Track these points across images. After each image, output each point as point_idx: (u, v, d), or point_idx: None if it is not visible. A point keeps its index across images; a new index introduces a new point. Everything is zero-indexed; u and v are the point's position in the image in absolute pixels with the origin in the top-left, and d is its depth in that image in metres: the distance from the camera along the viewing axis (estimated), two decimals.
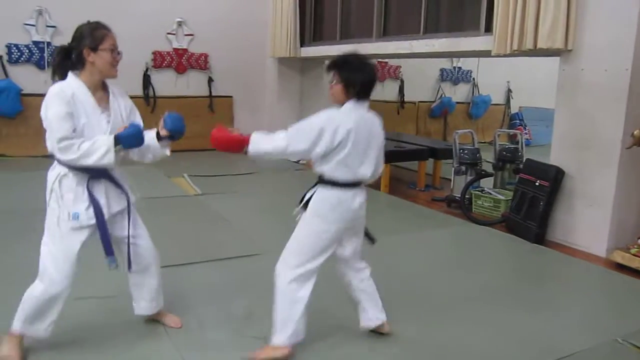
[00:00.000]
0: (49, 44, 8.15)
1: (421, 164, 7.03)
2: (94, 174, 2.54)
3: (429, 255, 4.56)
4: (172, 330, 2.98)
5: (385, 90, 11.48)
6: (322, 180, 2.62)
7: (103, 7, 8.38)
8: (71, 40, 2.55)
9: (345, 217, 2.66)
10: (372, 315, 2.93)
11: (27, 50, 8.05)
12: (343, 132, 2.50)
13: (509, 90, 12.89)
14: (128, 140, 2.50)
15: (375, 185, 6.88)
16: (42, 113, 2.46)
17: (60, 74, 2.54)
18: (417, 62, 10.63)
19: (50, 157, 2.53)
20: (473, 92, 12.59)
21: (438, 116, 12.16)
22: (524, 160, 5.70)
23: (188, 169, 7.02)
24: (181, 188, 6.42)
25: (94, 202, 2.52)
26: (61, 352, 2.73)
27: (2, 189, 6.15)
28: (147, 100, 8.90)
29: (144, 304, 2.92)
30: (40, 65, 8.13)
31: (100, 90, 2.58)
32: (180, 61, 9.20)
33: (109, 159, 2.43)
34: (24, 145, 8.04)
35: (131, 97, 9.22)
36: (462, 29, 6.11)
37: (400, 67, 11.47)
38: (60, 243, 2.55)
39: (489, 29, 5.51)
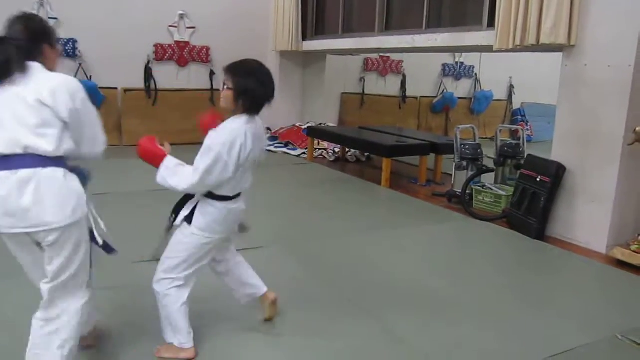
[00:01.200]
0: None
1: (422, 159, 7.02)
2: None
3: (429, 250, 4.57)
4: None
5: (387, 85, 11.48)
6: (205, 194, 2.53)
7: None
8: (31, 34, 2.20)
9: (231, 226, 2.67)
10: (249, 292, 2.94)
11: None
12: (237, 149, 2.41)
13: (511, 86, 12.86)
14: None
15: (376, 180, 6.89)
16: (82, 107, 2.17)
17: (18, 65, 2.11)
18: (419, 57, 10.60)
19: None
20: (475, 88, 12.56)
21: (440, 111, 12.14)
22: (525, 156, 5.70)
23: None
24: None
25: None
26: None
27: None
28: (149, 93, 8.90)
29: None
30: None
31: None
32: (182, 54, 9.19)
33: None
34: None
35: (132, 90, 9.27)
36: (464, 23, 6.10)
37: (403, 61, 11.44)
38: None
39: (491, 24, 5.49)
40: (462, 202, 5.71)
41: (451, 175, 6.40)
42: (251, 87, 2.47)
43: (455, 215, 5.59)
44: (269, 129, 9.53)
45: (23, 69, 2.08)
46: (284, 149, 8.86)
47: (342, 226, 5.06)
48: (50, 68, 2.22)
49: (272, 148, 8.77)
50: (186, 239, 2.56)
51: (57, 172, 2.09)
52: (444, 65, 12.04)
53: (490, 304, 3.49)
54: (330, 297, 3.44)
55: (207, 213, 2.53)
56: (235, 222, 2.69)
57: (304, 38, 9.03)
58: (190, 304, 2.66)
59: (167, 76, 9.11)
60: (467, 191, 5.80)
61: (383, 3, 7.28)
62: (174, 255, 2.59)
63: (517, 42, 4.93)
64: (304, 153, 8.63)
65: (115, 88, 8.68)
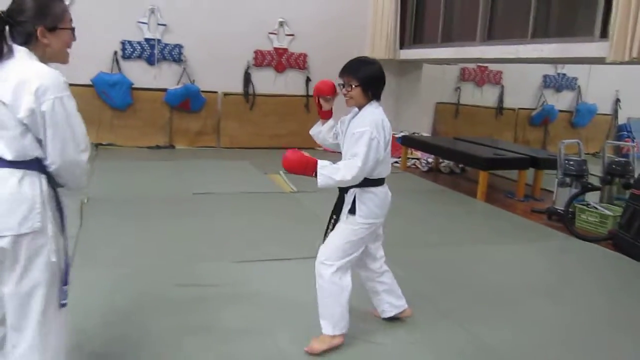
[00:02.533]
0: (159, 41, 8.58)
1: (521, 173, 6.76)
2: None
3: (527, 268, 4.37)
4: (267, 321, 3.04)
5: (483, 96, 11.18)
6: (362, 182, 2.69)
7: (209, 7, 8.76)
8: (13, 7, 1.90)
9: (386, 210, 2.83)
10: (396, 303, 3.09)
11: (139, 47, 8.51)
12: (388, 133, 2.70)
13: (617, 100, 12.15)
14: None
15: (470, 193, 6.72)
16: (49, 109, 1.83)
17: None
18: (519, 68, 10.26)
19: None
20: (577, 100, 11.98)
21: (538, 124, 11.67)
22: (635, 175, 5.35)
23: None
24: (277, 185, 6.54)
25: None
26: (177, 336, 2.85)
27: (112, 176, 6.52)
28: (247, 98, 9.16)
29: None
30: (150, 61, 8.57)
31: None
32: (280, 60, 9.39)
33: None
34: (131, 136, 8.51)
35: (232, 94, 9.54)
36: (574, 33, 5.83)
37: (502, 72, 11.10)
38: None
39: (604, 34, 5.21)
40: (564, 221, 5.43)
41: (551, 191, 6.12)
42: (374, 75, 2.74)
43: (555, 234, 5.33)
44: None
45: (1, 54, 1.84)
46: None
47: (434, 238, 4.95)
48: (51, 57, 1.97)
49: None
50: (350, 228, 2.74)
51: (12, 176, 1.85)
52: (544, 76, 11.57)
53: (591, 330, 3.29)
54: (421, 308, 3.36)
55: (368, 200, 2.73)
56: (388, 209, 2.83)
57: (401, 46, 8.97)
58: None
59: (265, 81, 9.34)
60: (570, 209, 5.52)
61: (486, 11, 7.10)
62: (337, 243, 2.75)
63: (634, 55, 4.65)
64: (396, 162, 8.56)
65: (216, 92, 9.00)
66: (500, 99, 11.27)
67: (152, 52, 8.56)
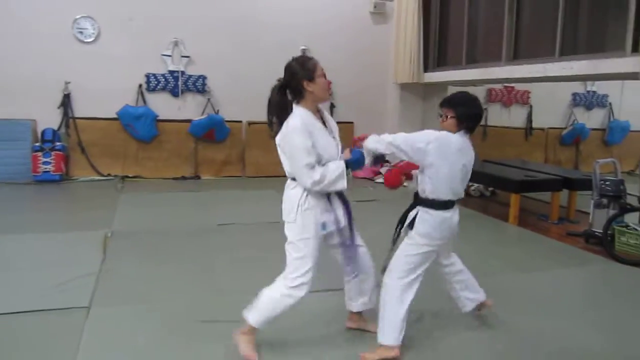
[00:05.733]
0: (182, 72, 8.64)
1: (555, 194, 6.53)
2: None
3: (565, 298, 4.12)
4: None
5: (511, 116, 10.97)
6: (423, 202, 2.92)
7: (231, 37, 8.84)
8: (285, 76, 2.81)
9: (447, 235, 2.98)
10: (472, 297, 3.34)
11: (163, 79, 8.58)
12: (453, 158, 2.85)
13: None
14: (355, 164, 2.86)
15: (501, 216, 6.51)
16: (283, 142, 2.77)
17: (277, 109, 2.86)
18: (547, 86, 10.03)
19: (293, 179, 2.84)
20: (609, 118, 11.68)
21: (569, 144, 11.40)
22: None
23: None
24: None
25: (335, 213, 2.83)
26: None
27: (137, 208, 6.50)
28: (272, 126, 9.10)
29: (361, 301, 3.17)
30: (174, 93, 8.63)
31: (317, 113, 2.87)
32: None
33: (342, 185, 2.74)
34: (157, 168, 8.54)
35: (256, 123, 9.42)
36: (603, 49, 5.64)
37: (529, 92, 10.90)
38: (305, 250, 2.77)
39: (636, 49, 5.03)
40: (604, 244, 5.19)
41: (586, 213, 5.87)
42: (470, 112, 2.93)
43: (593, 258, 5.10)
44: (387, 161, 9.40)
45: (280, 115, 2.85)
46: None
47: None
48: (316, 98, 2.81)
49: None
50: (409, 243, 2.96)
51: (290, 184, 2.84)
52: (574, 94, 11.34)
53: None
54: (453, 343, 3.19)
55: (425, 220, 2.91)
56: (450, 234, 3.01)
57: (426, 69, 8.87)
58: None
59: None
60: (608, 231, 5.27)
61: (511, 30, 6.94)
62: (400, 257, 2.96)
63: None
64: None
65: (240, 121, 8.99)
66: (529, 119, 11.06)
67: (176, 83, 8.62)
